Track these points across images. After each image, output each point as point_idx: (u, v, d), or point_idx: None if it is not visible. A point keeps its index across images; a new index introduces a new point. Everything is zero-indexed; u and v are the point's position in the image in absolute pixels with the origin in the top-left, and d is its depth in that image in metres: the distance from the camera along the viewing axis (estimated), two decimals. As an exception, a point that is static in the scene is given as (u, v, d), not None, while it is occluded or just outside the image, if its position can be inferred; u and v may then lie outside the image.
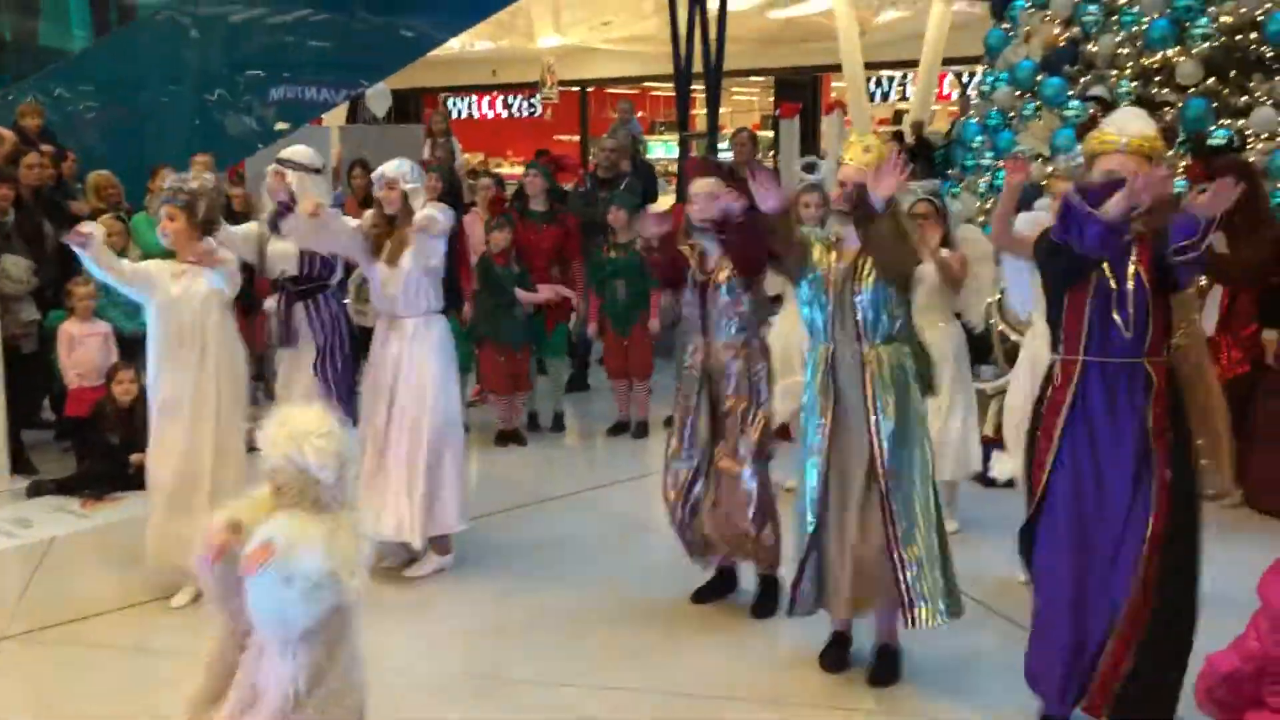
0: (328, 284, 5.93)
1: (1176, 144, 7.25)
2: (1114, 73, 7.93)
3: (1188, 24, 7.51)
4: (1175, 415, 3.44)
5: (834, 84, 18.41)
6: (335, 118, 14.27)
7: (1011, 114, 8.72)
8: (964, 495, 6.08)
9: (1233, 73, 7.41)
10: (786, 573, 4.44)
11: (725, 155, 10.31)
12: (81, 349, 6.92)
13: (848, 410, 4.03)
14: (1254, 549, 3.62)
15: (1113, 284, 3.41)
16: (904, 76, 18.28)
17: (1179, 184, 6.67)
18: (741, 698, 4.14)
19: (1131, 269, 3.40)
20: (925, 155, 11.93)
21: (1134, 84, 7.71)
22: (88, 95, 10.64)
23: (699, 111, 14.78)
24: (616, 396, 7.83)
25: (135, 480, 6.22)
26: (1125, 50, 7.90)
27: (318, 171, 5.73)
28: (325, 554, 2.78)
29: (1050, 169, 7.74)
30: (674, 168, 14.34)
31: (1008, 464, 5.27)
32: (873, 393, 3.98)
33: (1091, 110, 7.69)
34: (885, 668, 4.21)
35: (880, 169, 3.84)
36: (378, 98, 13.24)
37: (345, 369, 5.87)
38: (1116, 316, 3.40)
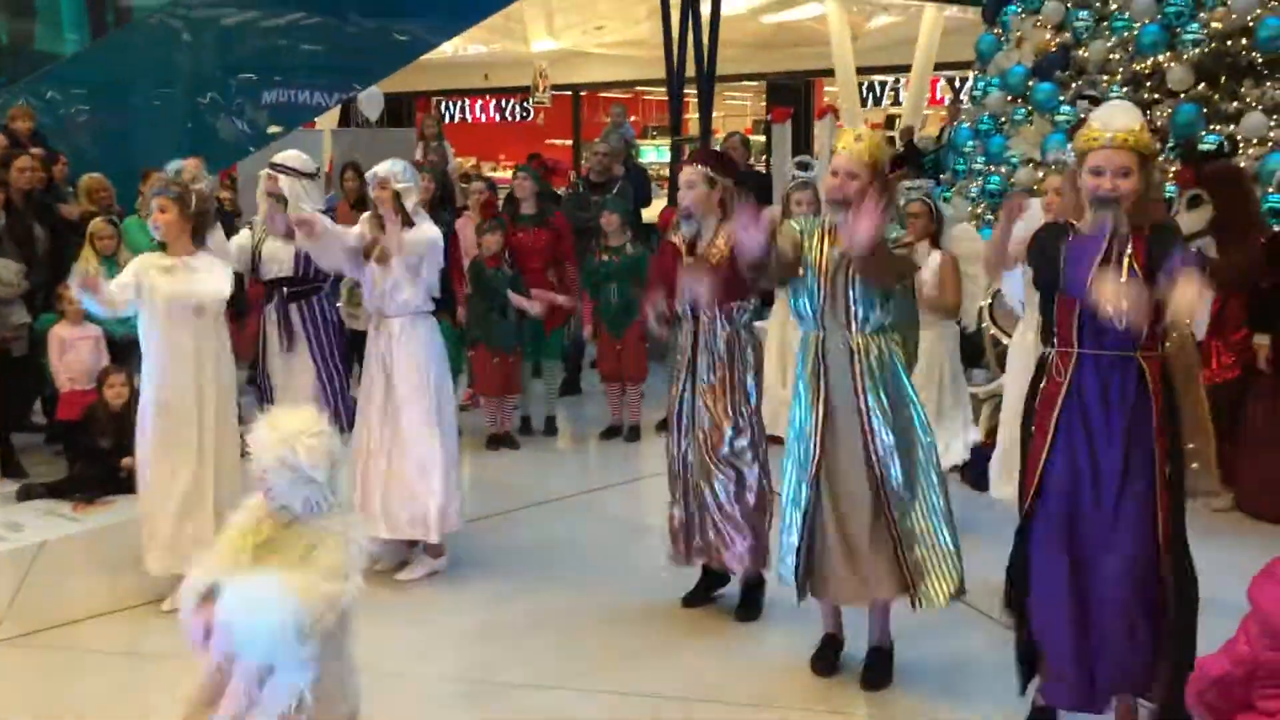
0: (321, 286, 5.93)
1: (1167, 149, 7.28)
2: (1105, 78, 7.96)
3: (1179, 29, 7.55)
4: (1171, 413, 3.44)
5: (826, 89, 18.46)
6: (328, 121, 14.27)
7: (1003, 119, 8.75)
8: (956, 498, 6.08)
9: (1223, 78, 7.45)
10: (774, 573, 4.44)
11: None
12: (72, 352, 6.91)
13: (837, 397, 4.02)
14: (1244, 552, 3.63)
15: None
16: (896, 81, 18.32)
17: (1169, 189, 6.70)
18: (734, 701, 4.14)
19: (1127, 262, 3.40)
20: (915, 162, 11.96)
21: (1125, 89, 7.74)
22: (79, 98, 10.61)
23: (692, 116, 14.79)
24: (609, 400, 7.83)
25: (126, 484, 6.20)
26: (1116, 55, 7.93)
27: (310, 176, 5.73)
28: (291, 609, 2.76)
29: (1041, 173, 7.77)
30: (666, 172, 14.34)
31: (1006, 489, 5.24)
32: (862, 382, 3.98)
33: (1082, 114, 7.71)
34: (877, 670, 4.21)
35: (857, 213, 3.78)
36: (370, 101, 13.24)
37: (341, 371, 5.88)
38: None
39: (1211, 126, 7.22)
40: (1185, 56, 7.47)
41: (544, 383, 7.95)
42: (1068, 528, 3.47)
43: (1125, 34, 7.88)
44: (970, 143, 9.04)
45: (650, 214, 10.39)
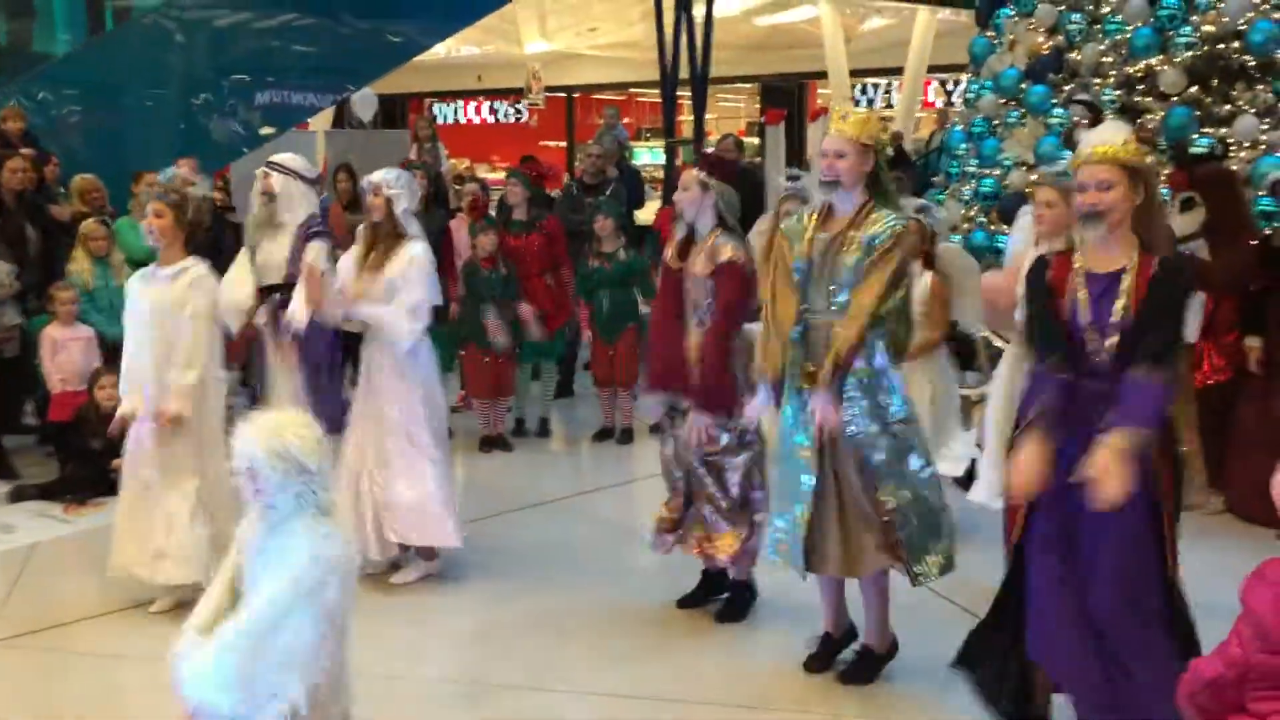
0: None
1: (1158, 152, 7.29)
2: (1098, 81, 7.97)
3: (1171, 33, 7.57)
4: (1167, 429, 3.42)
5: (820, 90, 18.49)
6: (321, 122, 14.25)
7: (996, 122, 8.77)
8: (948, 501, 6.09)
9: (1215, 81, 7.47)
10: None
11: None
12: (64, 354, 6.89)
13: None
14: (1236, 555, 3.63)
15: None
16: (889, 84, 18.36)
17: (1164, 192, 6.72)
18: (728, 702, 4.14)
19: (1121, 302, 3.38)
20: (904, 166, 11.97)
21: (1117, 92, 7.76)
22: (72, 99, 10.59)
23: (685, 118, 14.83)
24: (601, 404, 7.83)
25: (117, 486, 6.20)
26: (1109, 58, 7.95)
27: (308, 181, 5.71)
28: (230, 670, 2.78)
29: (1033, 176, 7.77)
30: (660, 174, 14.34)
31: (982, 489, 5.24)
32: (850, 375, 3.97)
33: (1075, 117, 7.73)
34: (858, 667, 4.24)
35: (816, 403, 3.95)
36: (364, 102, 13.23)
37: (333, 377, 5.84)
38: None
39: (1204, 129, 7.24)
40: (1177, 60, 7.49)
41: (541, 385, 7.95)
42: (1062, 540, 3.47)
43: (1118, 37, 7.90)
44: (963, 145, 9.05)
45: (644, 216, 10.39)
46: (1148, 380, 3.24)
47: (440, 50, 15.70)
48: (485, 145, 21.46)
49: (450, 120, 22.65)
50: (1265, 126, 7.12)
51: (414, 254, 5.07)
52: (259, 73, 11.26)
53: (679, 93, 12.82)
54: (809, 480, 4.02)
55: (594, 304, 7.55)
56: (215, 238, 6.27)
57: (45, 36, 13.17)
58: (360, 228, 5.34)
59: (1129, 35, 7.76)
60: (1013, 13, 9.00)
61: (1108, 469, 3.16)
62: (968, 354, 6.86)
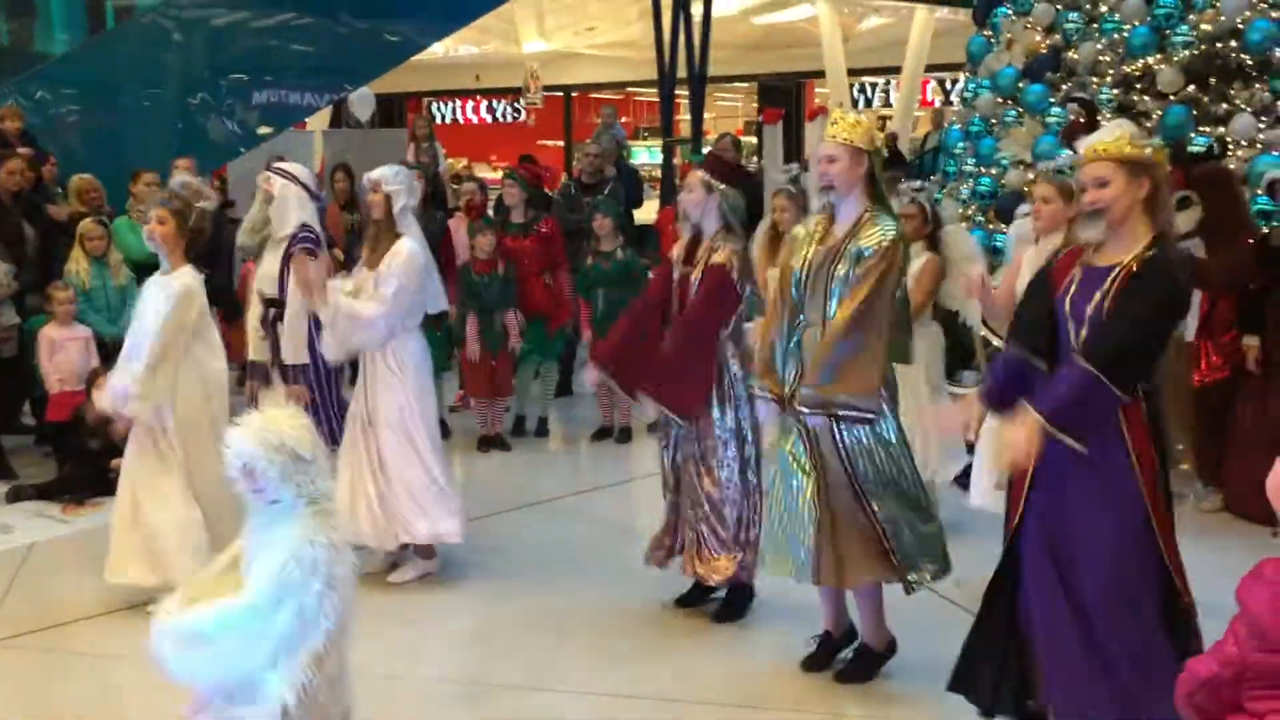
0: None
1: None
2: (1095, 80, 7.98)
3: (1168, 32, 7.57)
4: (1154, 421, 3.42)
5: (817, 90, 18.49)
6: (319, 122, 14.25)
7: (993, 121, 8.77)
8: (948, 501, 6.09)
9: (1213, 80, 7.47)
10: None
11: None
12: (62, 354, 6.89)
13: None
14: (1234, 554, 3.63)
15: None
16: (887, 83, 18.36)
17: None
18: (727, 702, 4.14)
19: (1103, 299, 3.40)
20: (900, 167, 11.97)
21: (1115, 91, 7.77)
22: (70, 99, 10.58)
23: (683, 117, 14.83)
24: (600, 402, 7.83)
25: (115, 486, 6.19)
26: (1106, 57, 7.96)
27: (308, 191, 5.68)
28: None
29: (1031, 175, 7.78)
30: (658, 173, 14.35)
31: (977, 495, 5.23)
32: None
33: (1072, 116, 7.74)
34: (853, 665, 4.25)
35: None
36: (361, 102, 13.21)
37: (327, 387, 5.82)
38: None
39: (1201, 128, 7.24)
40: (1175, 58, 7.50)
41: (540, 384, 7.94)
42: (1052, 538, 3.48)
43: (1115, 36, 7.90)
44: (961, 144, 9.06)
45: (642, 215, 10.38)
46: (1079, 371, 3.25)
47: (438, 50, 15.71)
48: (483, 145, 21.45)
49: (448, 120, 22.64)
50: (1263, 125, 7.13)
51: (401, 249, 5.08)
52: (256, 72, 11.25)
53: (677, 92, 12.82)
54: (798, 482, 4.05)
55: (592, 302, 7.55)
56: (214, 236, 6.25)
57: (44, 36, 13.17)
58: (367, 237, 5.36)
59: (1126, 34, 7.77)
60: (1010, 12, 9.00)
61: (1009, 439, 3.30)
62: (966, 353, 6.87)
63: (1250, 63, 7.36)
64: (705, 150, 11.56)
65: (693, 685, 4.26)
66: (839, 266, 3.96)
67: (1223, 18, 7.37)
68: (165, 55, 10.98)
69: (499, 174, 13.33)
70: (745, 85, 20.02)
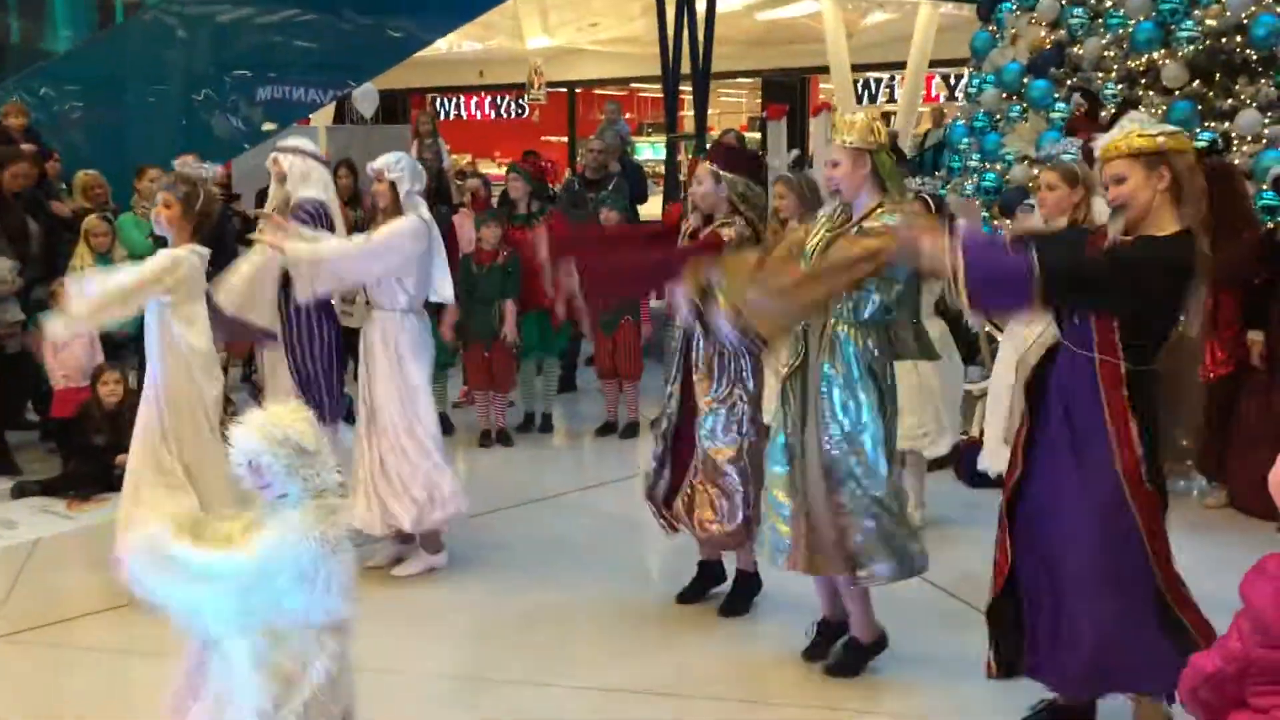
0: None
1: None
2: (1100, 75, 7.96)
3: (1173, 27, 7.55)
4: (1140, 407, 3.40)
5: (822, 86, 18.45)
6: (322, 118, 14.23)
7: (998, 116, 8.76)
8: (949, 495, 6.11)
9: (1218, 75, 7.46)
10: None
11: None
12: (67, 350, 6.89)
13: (810, 378, 4.08)
14: (1238, 549, 3.63)
15: None
16: (891, 78, 18.32)
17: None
18: (728, 697, 4.15)
19: None
20: (901, 163, 11.94)
21: (1119, 86, 7.75)
22: (74, 95, 10.59)
23: (687, 113, 14.80)
24: (606, 397, 7.84)
25: (120, 481, 6.19)
26: (1111, 53, 7.94)
27: (318, 159, 5.74)
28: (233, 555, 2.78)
29: (1036, 170, 7.77)
30: (662, 169, 14.33)
31: (995, 460, 5.27)
32: (827, 366, 4.01)
33: (1076, 109, 7.72)
34: (845, 660, 4.26)
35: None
36: (365, 98, 13.21)
37: (323, 366, 5.82)
38: None
39: (1206, 124, 7.23)
40: (1180, 54, 7.48)
41: (543, 379, 7.95)
42: (1031, 520, 3.54)
43: (1120, 31, 7.88)
44: (965, 140, 9.05)
45: (646, 211, 10.38)
46: (1021, 255, 3.27)
47: (442, 46, 15.66)
48: (487, 141, 21.43)
49: (452, 116, 22.63)
50: (1268, 121, 7.11)
51: (397, 220, 5.12)
52: (260, 68, 11.25)
53: (681, 88, 12.81)
54: (781, 470, 4.13)
55: (595, 296, 7.57)
56: (219, 226, 6.26)
57: (48, 32, 13.17)
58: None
59: (1131, 29, 7.75)
60: (1014, 7, 8.98)
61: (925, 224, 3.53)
62: (969, 348, 6.86)
63: (1255, 58, 7.34)
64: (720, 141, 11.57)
65: (695, 680, 4.26)
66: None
67: (1228, 13, 7.35)
68: (169, 51, 10.97)
69: (503, 170, 13.34)
70: (749, 81, 19.97)
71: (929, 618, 4.69)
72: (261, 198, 8.41)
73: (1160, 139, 3.33)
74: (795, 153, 9.34)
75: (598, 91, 20.13)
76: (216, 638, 2.88)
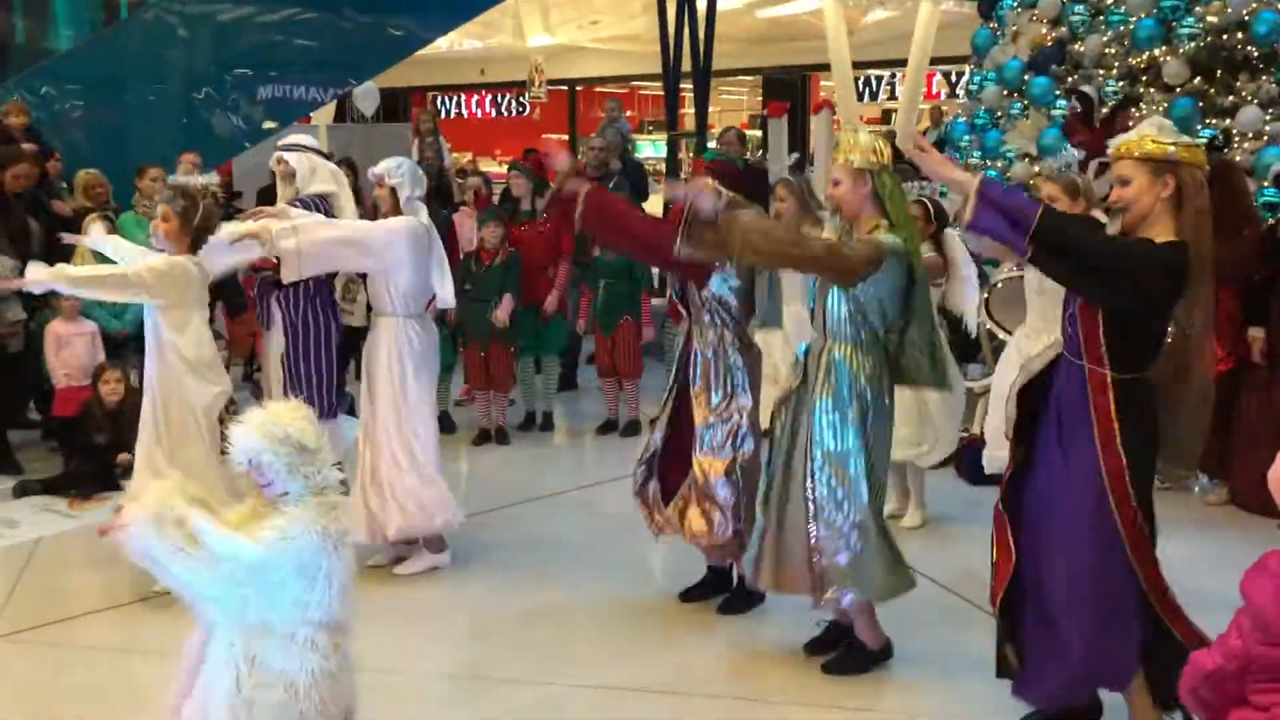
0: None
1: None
2: (1101, 72, 7.95)
3: (1174, 24, 7.54)
4: (1129, 415, 3.39)
5: (822, 83, 18.43)
6: (323, 116, 14.23)
7: (999, 114, 8.74)
8: (950, 493, 6.11)
9: (1219, 72, 7.44)
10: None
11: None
12: (68, 349, 6.90)
13: (806, 400, 4.12)
14: (1239, 546, 3.64)
15: None
16: (892, 76, 18.30)
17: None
18: (728, 695, 4.15)
19: None
20: (899, 163, 11.91)
21: (1121, 83, 7.74)
22: (74, 94, 10.58)
23: (687, 111, 14.77)
24: (606, 395, 7.84)
25: (122, 480, 6.20)
26: (1112, 50, 7.92)
27: (322, 154, 5.75)
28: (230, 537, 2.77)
29: (1037, 169, 7.76)
30: (663, 167, 14.33)
31: (998, 457, 5.28)
32: (820, 387, 4.04)
33: (1070, 107, 7.72)
34: (844, 659, 4.27)
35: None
36: (366, 96, 13.20)
37: (320, 365, 5.82)
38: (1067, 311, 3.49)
39: (1207, 121, 7.22)
40: (1181, 51, 7.47)
41: (542, 379, 7.94)
42: (1025, 521, 3.56)
43: (1121, 28, 7.87)
44: (966, 138, 9.04)
45: (647, 209, 10.35)
46: (1032, 203, 3.38)
47: (442, 44, 15.65)
48: (488, 139, 21.41)
49: (453, 114, 22.61)
50: (1269, 118, 7.10)
51: (396, 219, 5.15)
52: (261, 67, 11.24)
53: (681, 86, 12.79)
54: (763, 486, 4.22)
55: (594, 292, 7.58)
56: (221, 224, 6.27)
57: (53, 32, 13.16)
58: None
59: (1132, 26, 7.73)
60: (1015, 4, 8.97)
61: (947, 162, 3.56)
62: (971, 347, 6.86)
63: (1256, 55, 7.33)
64: (710, 144, 11.56)
65: (695, 679, 4.27)
66: (831, 288, 4.04)
67: (1229, 10, 7.34)
68: (170, 50, 10.96)
69: (504, 168, 13.33)
70: (750, 79, 19.93)
71: (929, 615, 4.69)
72: (263, 196, 8.43)
73: (1172, 148, 3.30)
74: (795, 156, 9.32)
75: (599, 89, 20.11)
76: (212, 625, 2.88)
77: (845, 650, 4.30)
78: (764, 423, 4.77)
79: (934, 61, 15.62)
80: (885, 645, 4.29)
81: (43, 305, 7.14)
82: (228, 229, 5.08)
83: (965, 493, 6.14)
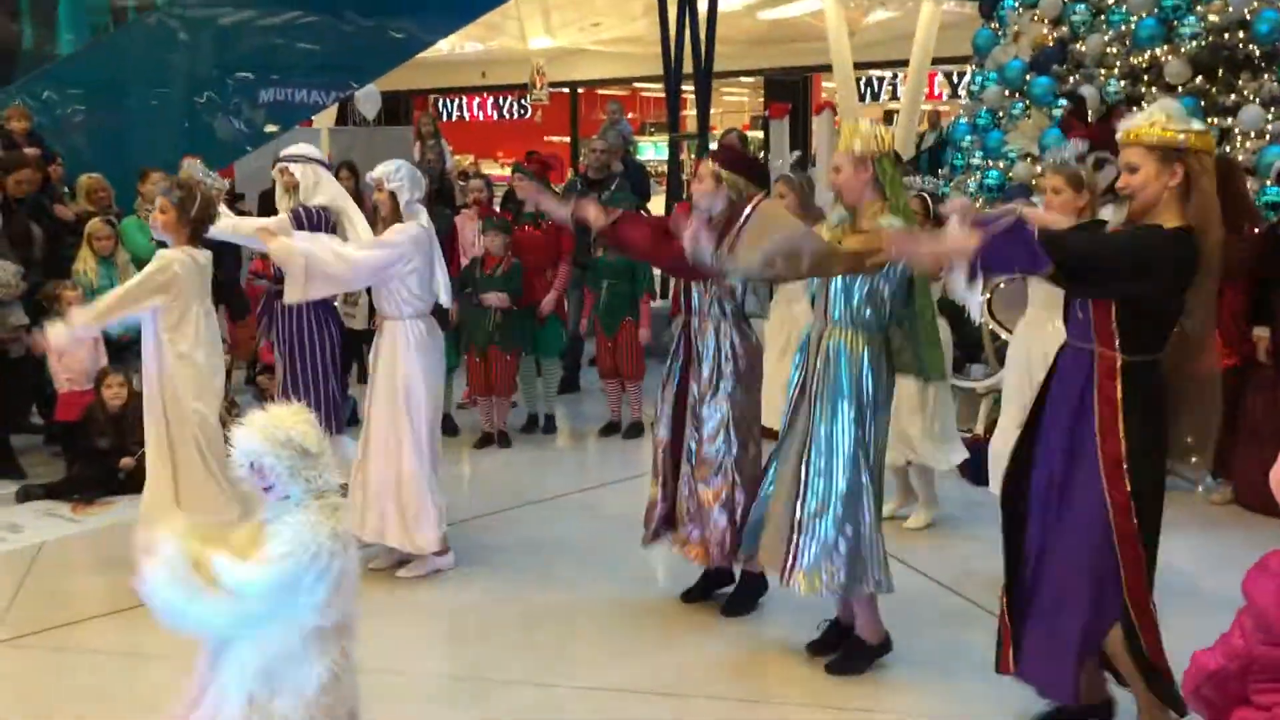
0: None
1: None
2: (1102, 72, 7.95)
3: (1176, 23, 7.54)
4: (1129, 415, 3.38)
5: (824, 84, 18.43)
6: (325, 120, 14.25)
7: (1000, 114, 8.75)
8: (951, 492, 6.11)
9: (1220, 71, 7.44)
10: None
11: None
12: (71, 354, 6.88)
13: (807, 384, 4.14)
14: (1242, 546, 3.63)
15: None
16: (894, 76, 18.30)
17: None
18: (730, 696, 4.14)
19: None
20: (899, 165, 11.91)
21: (1122, 83, 7.74)
22: (76, 98, 10.60)
23: (689, 112, 14.77)
24: (608, 397, 7.83)
25: (125, 484, 6.22)
26: (1114, 49, 7.93)
27: (324, 164, 5.77)
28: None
29: (1039, 168, 7.76)
30: (664, 169, 14.33)
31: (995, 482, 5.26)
32: (821, 371, 4.05)
33: (1065, 106, 7.73)
34: (846, 659, 4.27)
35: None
36: (367, 100, 13.22)
37: (321, 369, 5.81)
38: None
39: (1209, 119, 7.21)
40: (1182, 50, 7.47)
41: (543, 381, 7.94)
42: (1022, 512, 3.56)
43: (1122, 28, 7.87)
44: (968, 138, 9.04)
45: (649, 210, 10.37)
46: (1027, 227, 3.24)
47: (444, 47, 15.67)
48: (490, 141, 21.43)
49: (454, 117, 22.63)
50: (1271, 116, 7.10)
51: (396, 227, 5.14)
52: (263, 70, 11.25)
53: (683, 87, 12.79)
54: (770, 473, 4.26)
55: (596, 294, 7.58)
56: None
57: (59, 38, 13.15)
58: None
59: (1133, 26, 7.74)
60: (1017, 4, 8.97)
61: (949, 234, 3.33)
62: (974, 347, 6.86)
63: (1258, 54, 7.33)
64: (712, 146, 11.56)
65: (697, 680, 4.26)
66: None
67: (1230, 9, 7.34)
68: (171, 54, 10.98)
69: (506, 170, 13.34)
70: (751, 80, 19.93)
71: (930, 615, 4.69)
72: (264, 200, 8.44)
73: (1183, 135, 3.25)
74: (797, 154, 9.33)
75: (600, 91, 20.11)
76: (225, 641, 2.88)
77: (847, 650, 4.30)
78: (764, 422, 4.78)
79: (935, 62, 15.61)
80: (885, 639, 4.28)
81: (49, 311, 7.14)
82: (232, 222, 5.12)
83: (967, 493, 6.14)
